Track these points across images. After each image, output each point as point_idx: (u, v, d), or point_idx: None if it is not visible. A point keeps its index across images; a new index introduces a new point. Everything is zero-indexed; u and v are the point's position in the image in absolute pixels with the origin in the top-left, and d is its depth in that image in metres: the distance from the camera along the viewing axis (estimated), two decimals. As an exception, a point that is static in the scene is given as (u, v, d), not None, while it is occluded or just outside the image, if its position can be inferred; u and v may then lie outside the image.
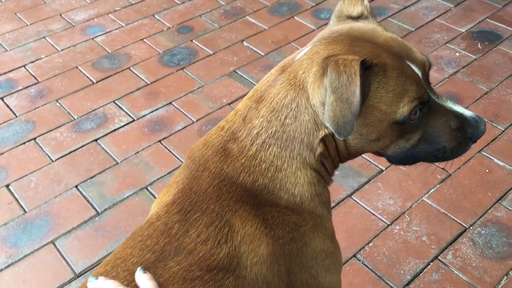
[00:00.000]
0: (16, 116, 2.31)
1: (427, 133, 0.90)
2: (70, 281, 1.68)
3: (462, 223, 1.79)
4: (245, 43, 2.70)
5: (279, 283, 0.84)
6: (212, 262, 0.78)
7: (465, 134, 0.91)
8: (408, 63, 0.86)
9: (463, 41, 2.63)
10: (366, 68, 0.81)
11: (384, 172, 1.99)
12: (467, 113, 0.91)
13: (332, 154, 0.90)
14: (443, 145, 0.91)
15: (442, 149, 0.91)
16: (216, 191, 0.84)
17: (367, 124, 0.85)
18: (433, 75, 2.42)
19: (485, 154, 2.03)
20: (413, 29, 2.73)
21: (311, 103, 0.84)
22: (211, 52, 2.65)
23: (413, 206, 1.86)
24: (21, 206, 1.92)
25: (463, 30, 2.70)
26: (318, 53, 0.86)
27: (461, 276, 1.63)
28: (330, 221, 0.96)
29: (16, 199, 1.95)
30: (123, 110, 2.33)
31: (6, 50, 2.70)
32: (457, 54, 2.55)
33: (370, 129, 0.86)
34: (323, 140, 0.87)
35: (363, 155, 2.02)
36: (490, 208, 1.84)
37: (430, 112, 0.89)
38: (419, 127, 0.89)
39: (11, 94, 2.43)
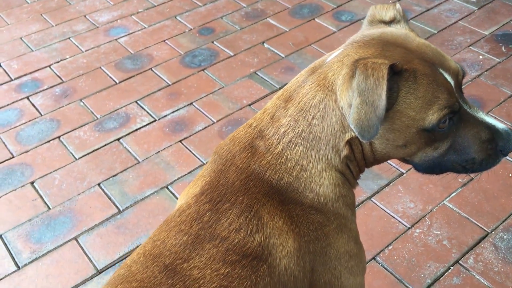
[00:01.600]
0: (41, 115, 2.36)
1: (457, 143, 0.88)
2: (92, 277, 1.71)
3: (484, 228, 1.77)
4: (265, 45, 2.71)
5: (303, 280, 0.85)
6: (247, 250, 0.81)
7: (495, 146, 0.89)
8: (441, 71, 0.85)
9: (486, 44, 2.60)
10: (396, 73, 0.80)
11: (404, 175, 1.98)
12: (499, 125, 0.89)
13: (357, 158, 0.90)
14: (472, 156, 0.89)
15: (471, 160, 0.89)
16: (243, 185, 0.86)
17: (394, 130, 0.85)
18: (456, 78, 2.40)
19: (508, 158, 2.00)
20: (435, 32, 2.71)
21: (339, 105, 0.85)
22: (232, 54, 2.67)
23: (434, 209, 1.85)
24: (45, 203, 1.96)
25: (486, 33, 2.67)
26: (349, 55, 0.86)
27: (482, 281, 1.61)
28: (355, 223, 0.96)
29: (41, 196, 1.99)
30: (145, 110, 2.36)
31: (32, 51, 2.76)
32: (481, 57, 2.52)
33: (397, 134, 0.85)
34: (349, 142, 0.87)
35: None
36: (513, 213, 1.81)
37: (461, 122, 0.88)
38: (448, 136, 0.88)
39: (36, 93, 2.48)
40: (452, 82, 0.86)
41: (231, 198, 0.85)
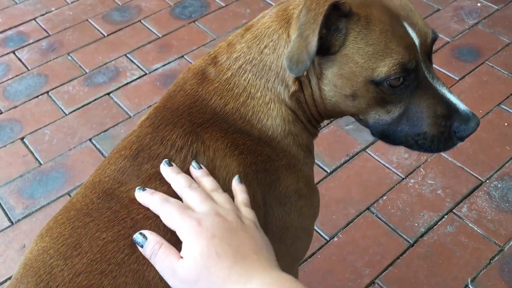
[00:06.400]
0: (28, 70, 2.30)
1: (410, 110, 0.84)
2: (86, 232, 1.71)
3: (479, 177, 1.77)
4: (258, -5, 2.62)
5: (255, 208, 0.81)
6: (188, 168, 0.79)
7: (450, 126, 0.84)
8: (405, 24, 0.81)
9: (485, -9, 2.53)
10: (345, 15, 0.78)
11: (399, 125, 1.96)
12: (462, 106, 0.84)
13: (308, 101, 0.88)
14: (424, 129, 0.84)
15: (422, 134, 0.84)
16: (187, 110, 0.85)
17: (341, 75, 0.82)
18: (453, 26, 2.34)
19: (504, 107, 1.98)
20: (433, -21, 2.62)
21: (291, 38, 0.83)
22: (223, 4, 2.58)
23: (429, 160, 1.84)
24: (36, 159, 1.94)
25: (485, -20, 2.59)
26: None
27: (475, 228, 1.62)
28: (308, 166, 0.93)
29: (31, 152, 1.96)
30: (134, 63, 2.30)
31: (16, 3, 2.66)
32: (479, 4, 2.46)
33: (344, 81, 0.82)
34: (298, 80, 0.85)
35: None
36: (507, 162, 1.81)
37: (418, 89, 0.83)
38: (402, 100, 0.83)
39: (22, 47, 2.41)
40: (416, 41, 0.81)
41: (173, 120, 0.83)
